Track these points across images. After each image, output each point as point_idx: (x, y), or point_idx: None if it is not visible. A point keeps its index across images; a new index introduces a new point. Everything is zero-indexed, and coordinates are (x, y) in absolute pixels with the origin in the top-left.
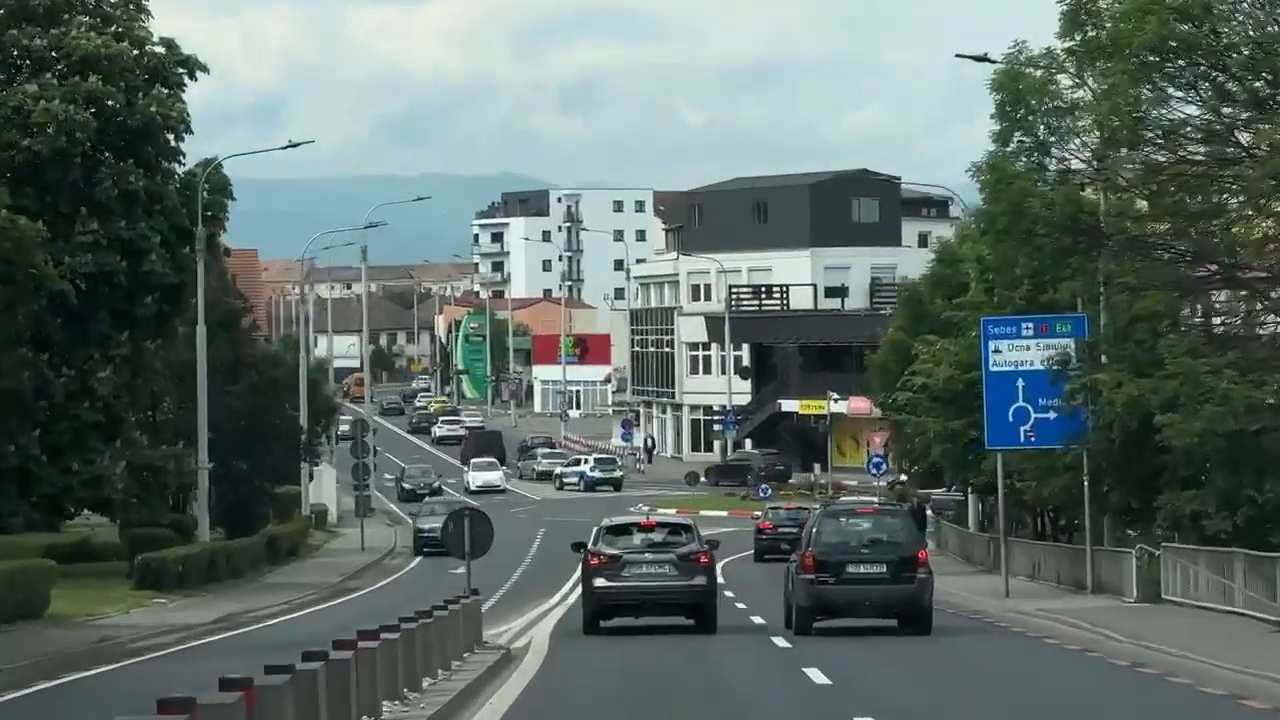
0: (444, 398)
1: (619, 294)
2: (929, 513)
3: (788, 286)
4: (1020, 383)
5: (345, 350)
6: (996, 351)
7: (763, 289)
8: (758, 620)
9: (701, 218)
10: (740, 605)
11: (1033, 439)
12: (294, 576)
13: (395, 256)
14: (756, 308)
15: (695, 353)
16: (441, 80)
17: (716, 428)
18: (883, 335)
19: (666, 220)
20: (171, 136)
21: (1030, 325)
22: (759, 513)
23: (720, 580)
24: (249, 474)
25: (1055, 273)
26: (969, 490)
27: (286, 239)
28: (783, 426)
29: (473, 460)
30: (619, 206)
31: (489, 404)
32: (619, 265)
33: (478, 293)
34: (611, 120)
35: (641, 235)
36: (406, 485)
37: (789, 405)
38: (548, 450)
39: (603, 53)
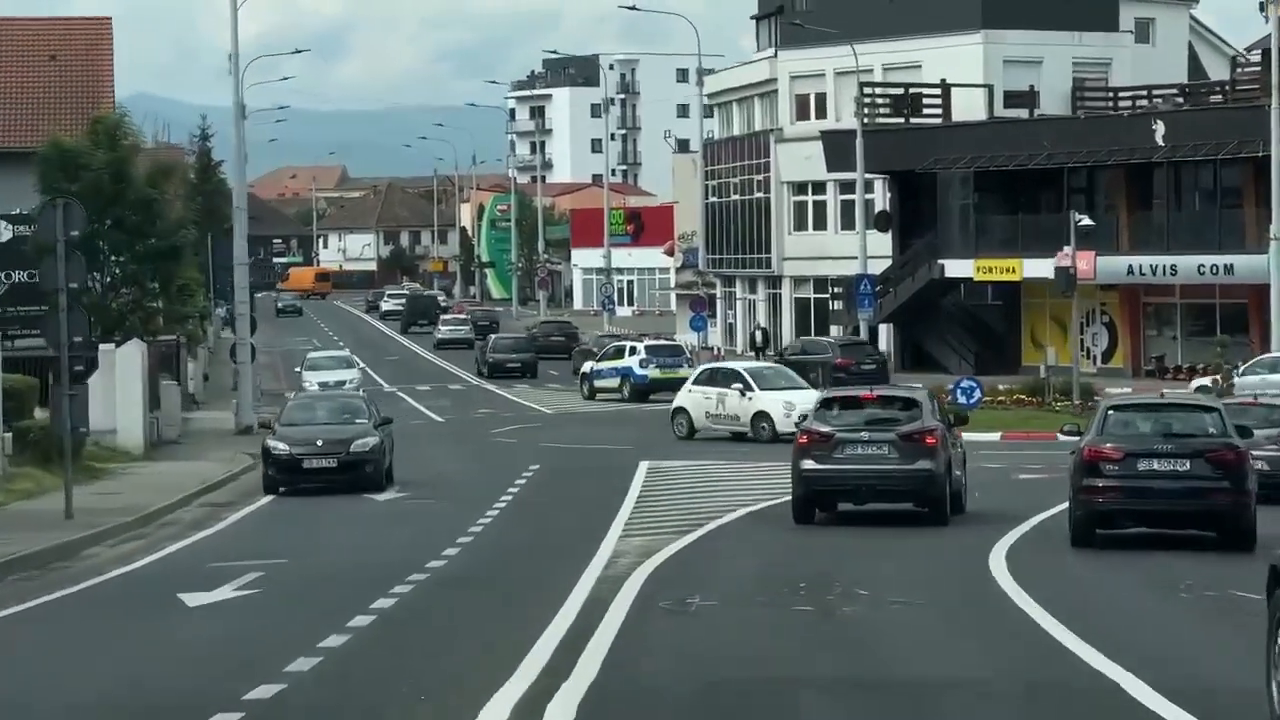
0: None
1: (684, 147)
2: None
3: (949, 88)
4: None
5: (360, 252)
6: None
7: (909, 93)
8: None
9: None
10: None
11: None
12: None
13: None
14: (902, 122)
15: (802, 197)
16: (507, 10)
17: (837, 306)
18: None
19: (759, 6)
20: None
21: None
22: (1066, 427)
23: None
24: None
25: None
26: None
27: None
28: (948, 301)
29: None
30: (683, 76)
31: (515, 303)
32: (684, 146)
33: (514, 178)
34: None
35: (710, 112)
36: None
37: (955, 269)
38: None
39: None
